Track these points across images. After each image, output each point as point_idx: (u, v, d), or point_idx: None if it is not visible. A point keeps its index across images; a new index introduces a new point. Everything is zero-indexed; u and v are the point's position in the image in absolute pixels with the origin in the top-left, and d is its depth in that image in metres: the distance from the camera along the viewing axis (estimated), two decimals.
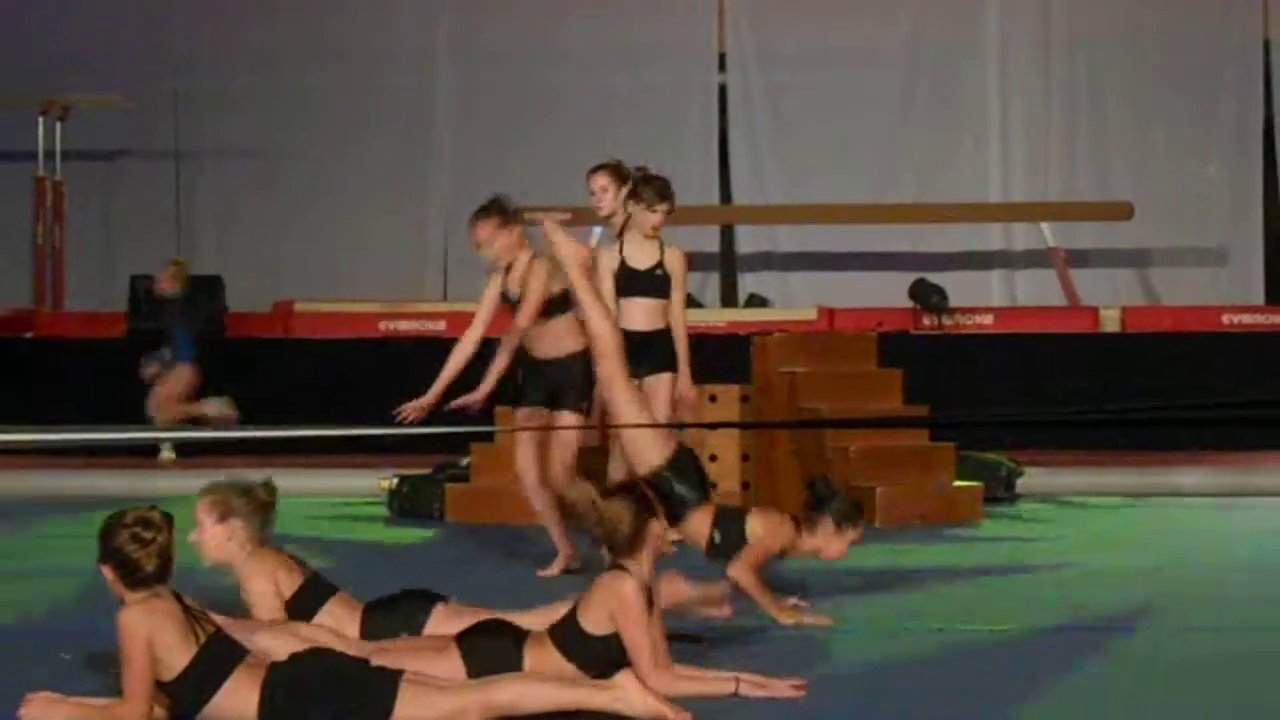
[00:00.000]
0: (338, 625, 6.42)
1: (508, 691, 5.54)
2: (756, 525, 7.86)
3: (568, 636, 5.94)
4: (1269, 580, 9.12)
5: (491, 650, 5.89)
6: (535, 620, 6.29)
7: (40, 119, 18.42)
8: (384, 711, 5.41)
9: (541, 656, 5.91)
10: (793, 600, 7.69)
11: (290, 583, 6.56)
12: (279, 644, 5.90)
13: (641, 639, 5.84)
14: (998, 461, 12.81)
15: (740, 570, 7.62)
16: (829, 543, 7.81)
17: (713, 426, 12.05)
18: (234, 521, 6.45)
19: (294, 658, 5.62)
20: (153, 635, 5.37)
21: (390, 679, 5.48)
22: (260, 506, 6.50)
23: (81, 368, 16.38)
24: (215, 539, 6.45)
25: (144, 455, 15.15)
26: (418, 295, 18.87)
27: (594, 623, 5.91)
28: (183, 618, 5.44)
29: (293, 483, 11.98)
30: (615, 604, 5.85)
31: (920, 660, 6.78)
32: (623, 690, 5.58)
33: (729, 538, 7.79)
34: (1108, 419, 7.94)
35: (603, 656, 5.88)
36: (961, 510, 11.62)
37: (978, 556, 9.98)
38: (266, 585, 6.48)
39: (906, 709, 5.84)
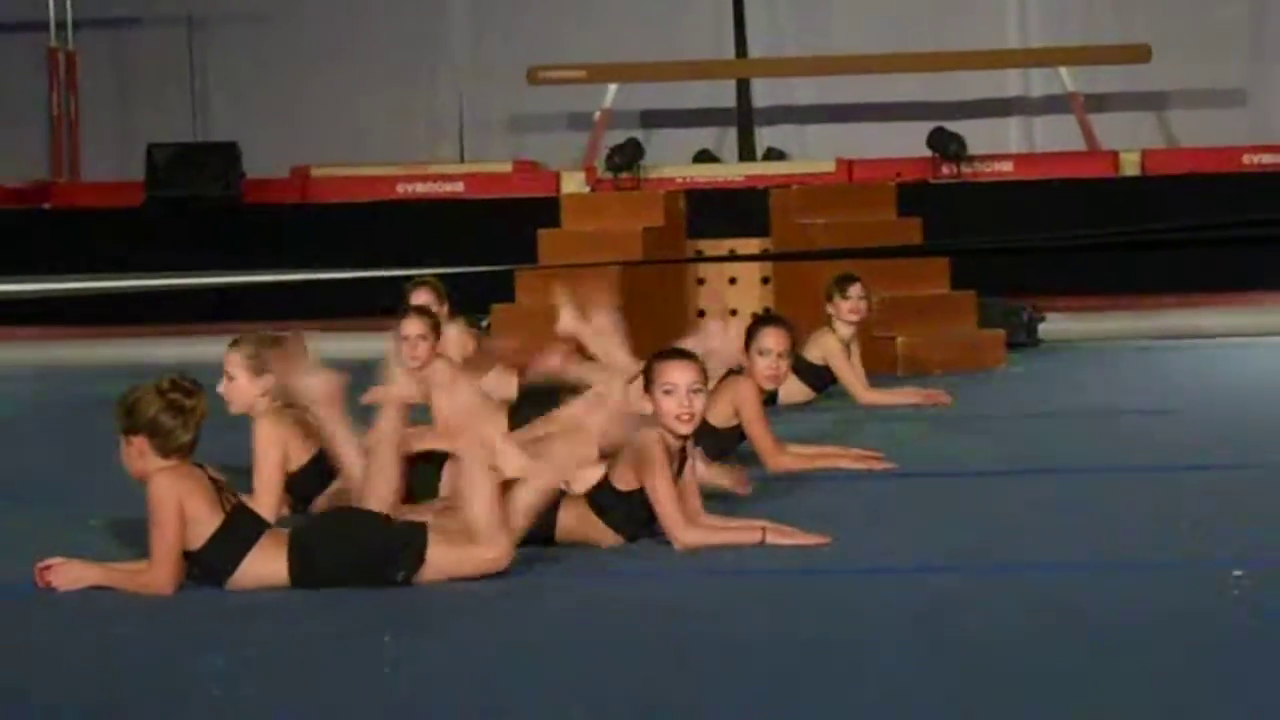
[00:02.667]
0: None
1: (517, 505, 5.60)
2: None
3: (602, 496, 5.98)
4: None
5: None
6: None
7: None
8: (417, 560, 5.44)
9: (578, 516, 5.96)
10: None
11: (304, 450, 6.59)
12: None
13: (662, 488, 5.88)
14: (1019, 308, 12.82)
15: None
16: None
17: (722, 260, 12.08)
18: (267, 377, 6.51)
19: (315, 519, 5.64)
20: (183, 500, 5.40)
21: (419, 530, 5.51)
22: (290, 359, 6.53)
23: (100, 237, 16.38)
24: (247, 392, 6.61)
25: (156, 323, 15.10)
26: (434, 157, 18.83)
27: (622, 479, 5.95)
28: (210, 487, 5.46)
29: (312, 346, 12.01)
30: (639, 455, 5.89)
31: (944, 503, 6.82)
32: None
33: None
34: (1105, 242, 7.87)
35: (633, 513, 5.93)
36: (984, 357, 11.64)
37: (1001, 402, 10.00)
38: (275, 454, 6.53)
39: (931, 551, 5.87)
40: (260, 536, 5.47)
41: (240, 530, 5.46)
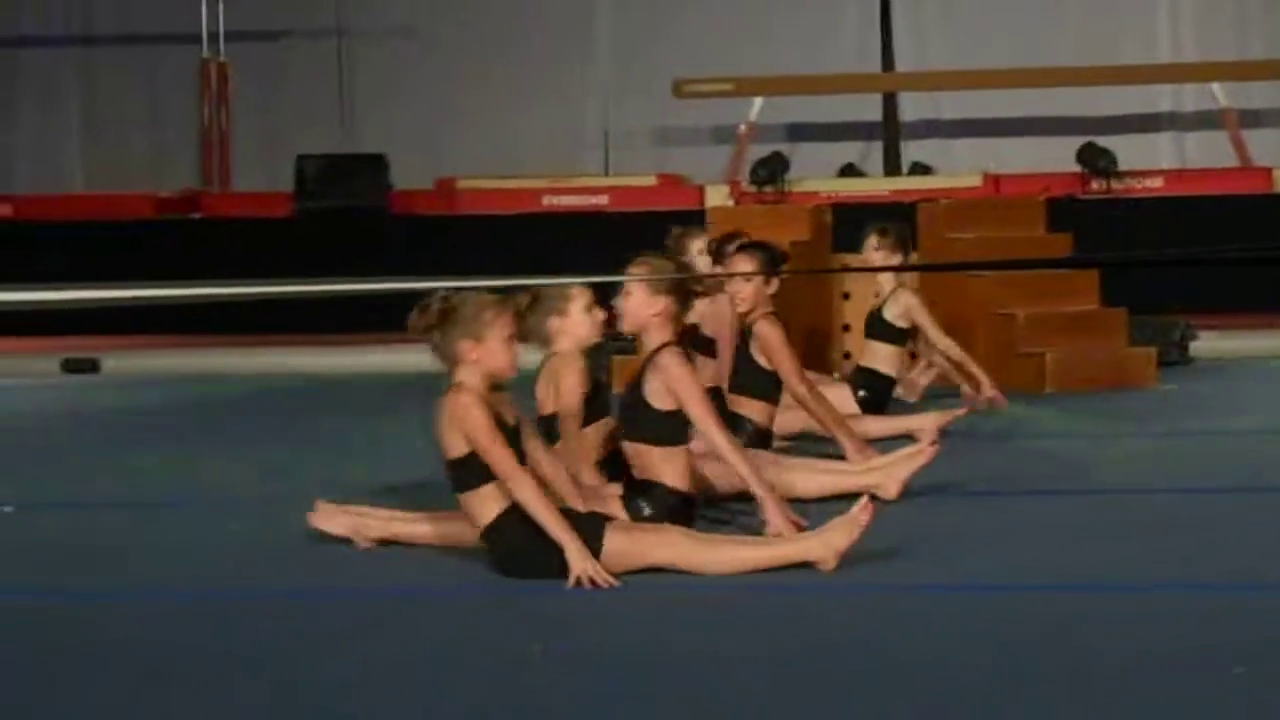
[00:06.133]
0: None
1: (714, 552, 5.69)
2: None
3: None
4: None
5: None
6: None
7: (204, 1, 18.54)
8: (595, 544, 5.54)
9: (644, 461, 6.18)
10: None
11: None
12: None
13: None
14: (1171, 325, 12.64)
15: None
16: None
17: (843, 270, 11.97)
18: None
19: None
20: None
21: (599, 519, 5.68)
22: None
23: (249, 247, 16.55)
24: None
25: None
26: (579, 170, 18.87)
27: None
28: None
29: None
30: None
31: (1091, 519, 6.71)
32: (821, 538, 5.62)
33: None
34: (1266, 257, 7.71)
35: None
36: (1134, 374, 11.47)
37: (1150, 420, 9.86)
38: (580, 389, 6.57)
39: (1063, 565, 5.78)
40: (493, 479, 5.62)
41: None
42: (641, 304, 6.22)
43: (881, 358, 9.85)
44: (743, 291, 7.82)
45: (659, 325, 6.20)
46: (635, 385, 6.22)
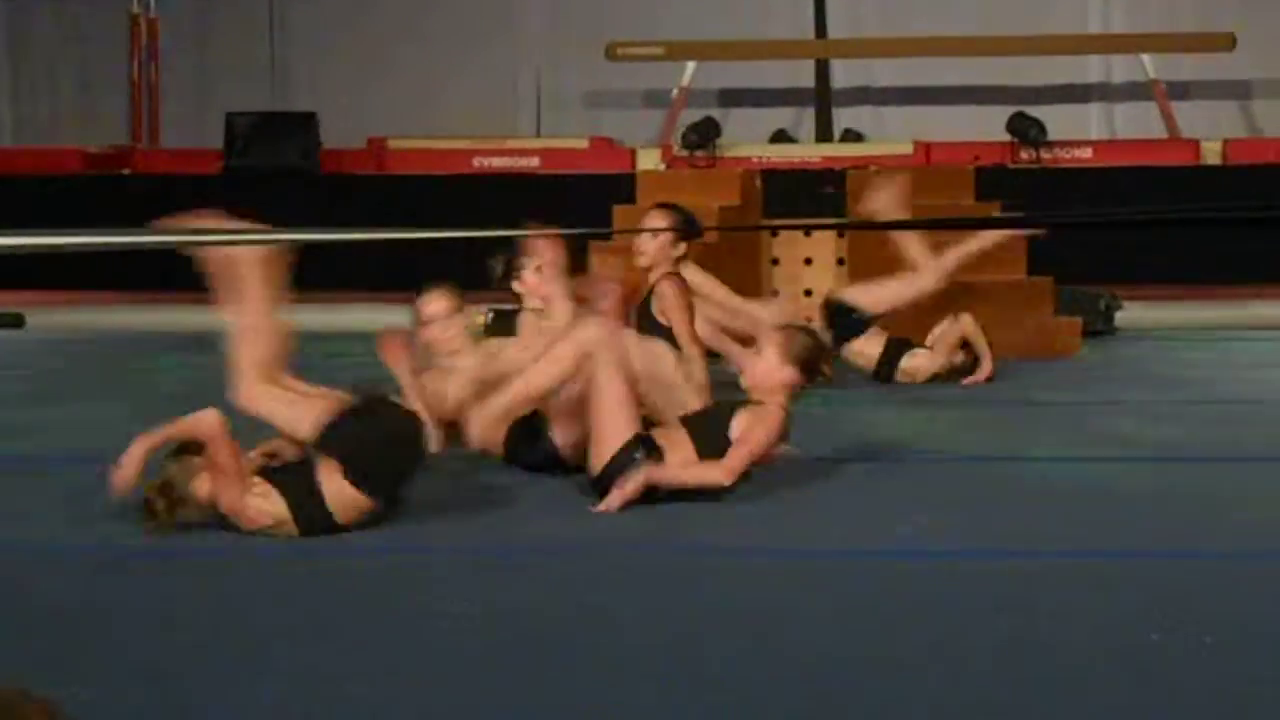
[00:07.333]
0: None
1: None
2: None
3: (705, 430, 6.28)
4: None
5: None
6: None
7: None
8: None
9: (673, 440, 6.25)
10: None
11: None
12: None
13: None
14: (1097, 295, 12.72)
15: None
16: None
17: (761, 228, 12.01)
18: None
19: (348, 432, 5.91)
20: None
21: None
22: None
23: (178, 205, 16.42)
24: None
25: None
26: (511, 131, 18.84)
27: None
28: None
29: (384, 318, 12.05)
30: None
31: (1012, 486, 6.76)
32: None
33: None
34: (1172, 218, 7.73)
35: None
36: (1060, 344, 11.55)
37: (1073, 389, 9.93)
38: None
39: (988, 531, 5.83)
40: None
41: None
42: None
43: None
44: (645, 246, 7.83)
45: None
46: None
